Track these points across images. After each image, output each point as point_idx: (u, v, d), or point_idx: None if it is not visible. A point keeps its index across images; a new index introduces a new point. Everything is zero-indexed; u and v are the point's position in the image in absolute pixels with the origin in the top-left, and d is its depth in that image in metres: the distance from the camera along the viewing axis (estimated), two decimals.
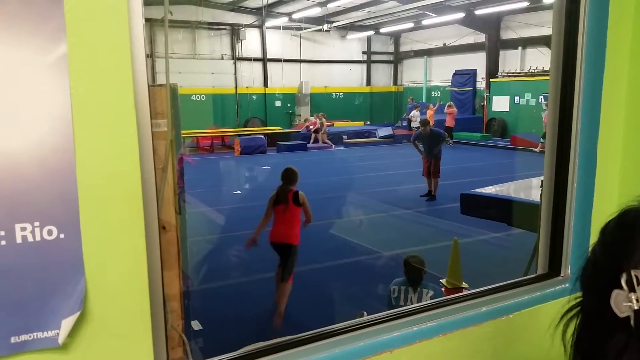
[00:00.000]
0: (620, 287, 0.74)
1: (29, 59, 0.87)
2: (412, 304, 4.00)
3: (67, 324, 0.93)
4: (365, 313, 1.46)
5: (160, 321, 1.10)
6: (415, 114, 19.89)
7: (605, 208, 1.68)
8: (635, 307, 0.72)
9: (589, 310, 0.82)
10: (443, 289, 5.10)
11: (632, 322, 0.73)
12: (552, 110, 1.74)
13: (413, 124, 19.72)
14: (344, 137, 20.09)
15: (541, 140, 17.28)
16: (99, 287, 0.96)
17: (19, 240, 0.89)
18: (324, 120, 19.50)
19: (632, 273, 0.74)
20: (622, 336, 0.75)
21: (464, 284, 5.26)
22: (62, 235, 0.92)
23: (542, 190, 1.79)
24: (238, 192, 12.22)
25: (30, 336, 0.92)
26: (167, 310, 1.15)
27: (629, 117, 1.75)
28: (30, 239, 0.89)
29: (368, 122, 24.82)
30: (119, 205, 0.96)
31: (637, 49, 1.70)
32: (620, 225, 0.81)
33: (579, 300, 0.85)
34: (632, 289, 0.73)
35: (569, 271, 1.72)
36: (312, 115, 21.20)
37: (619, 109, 1.75)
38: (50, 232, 0.91)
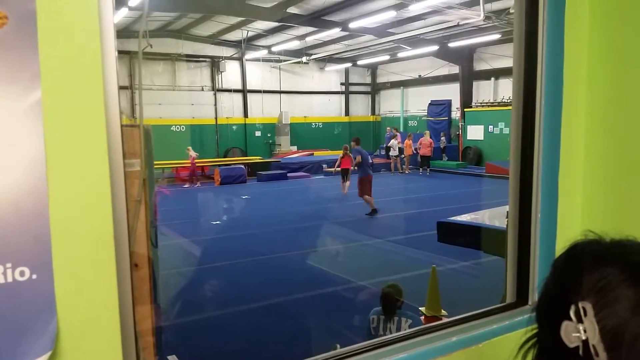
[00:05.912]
0: (570, 319, 0.78)
1: (5, 105, 0.90)
2: (390, 333, 4.00)
3: None
4: (338, 346, 1.48)
5: (132, 358, 1.10)
6: (393, 143, 20.17)
7: (568, 238, 1.73)
8: (583, 338, 0.76)
9: (543, 341, 0.86)
10: (422, 317, 5.11)
11: (580, 352, 0.77)
12: (514, 142, 1.81)
13: (392, 153, 20.01)
14: (324, 166, 20.21)
15: None
16: (71, 326, 0.97)
17: None
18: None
19: (580, 305, 0.78)
20: None
21: (443, 312, 5.27)
22: (34, 276, 0.93)
23: (507, 221, 1.85)
24: (217, 222, 12.13)
25: None
26: (140, 347, 1.16)
27: (588, 149, 1.82)
28: (1, 280, 0.90)
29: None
30: (92, 245, 0.98)
31: (593, 81, 1.77)
32: (568, 259, 0.86)
33: (535, 331, 0.89)
34: (580, 320, 0.77)
35: (536, 299, 1.76)
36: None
37: (578, 141, 1.82)
38: (22, 273, 0.92)
